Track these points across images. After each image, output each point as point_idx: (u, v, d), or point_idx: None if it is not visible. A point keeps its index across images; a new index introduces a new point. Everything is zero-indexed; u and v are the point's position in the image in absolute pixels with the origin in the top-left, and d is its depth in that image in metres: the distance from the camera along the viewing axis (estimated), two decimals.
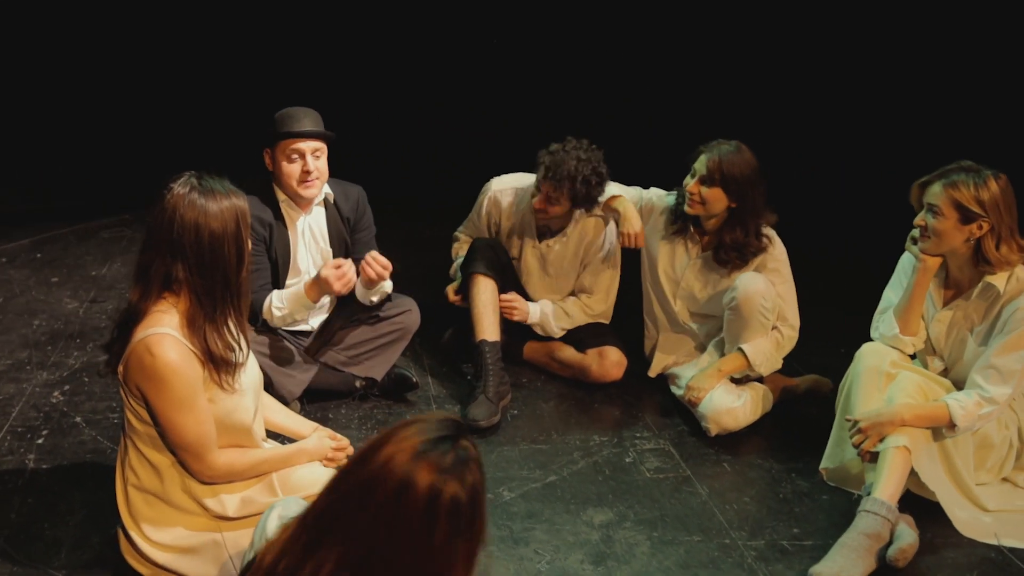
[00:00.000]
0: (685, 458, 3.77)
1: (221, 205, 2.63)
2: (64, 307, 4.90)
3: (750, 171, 3.87)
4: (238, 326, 2.76)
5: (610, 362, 4.21)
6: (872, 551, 3.13)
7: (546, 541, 3.23)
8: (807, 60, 7.11)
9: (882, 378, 3.45)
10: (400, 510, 1.66)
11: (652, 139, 6.68)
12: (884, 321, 3.57)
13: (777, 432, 3.99)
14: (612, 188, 4.16)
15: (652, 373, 4.29)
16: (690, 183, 3.93)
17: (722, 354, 4.06)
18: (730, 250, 3.96)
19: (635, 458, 3.75)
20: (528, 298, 4.38)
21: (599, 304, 4.35)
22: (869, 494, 3.29)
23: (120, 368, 2.68)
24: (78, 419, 3.86)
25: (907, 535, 3.16)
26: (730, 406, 3.84)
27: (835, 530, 3.31)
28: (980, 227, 3.28)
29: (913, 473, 3.32)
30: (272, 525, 2.02)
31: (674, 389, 4.14)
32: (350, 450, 3.07)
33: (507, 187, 4.34)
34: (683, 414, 4.07)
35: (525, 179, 4.33)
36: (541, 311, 4.30)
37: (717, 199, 3.90)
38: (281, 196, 3.84)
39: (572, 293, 4.40)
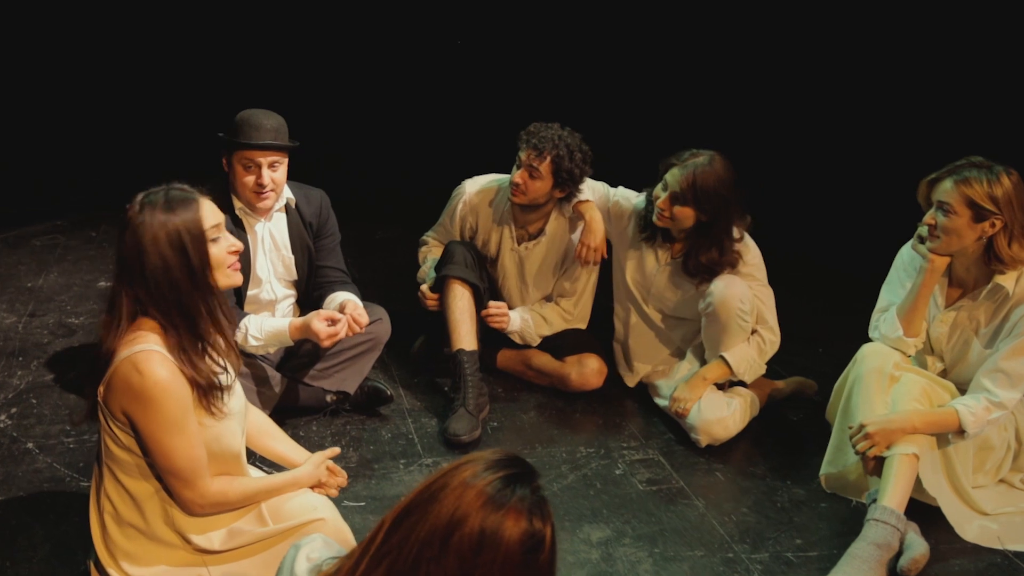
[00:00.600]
0: (676, 468, 3.64)
1: (162, 222, 2.40)
2: (1, 322, 4.57)
3: (723, 188, 3.68)
4: (225, 344, 2.56)
5: (590, 370, 4.07)
6: (883, 562, 3.04)
7: None
8: (794, 60, 7.13)
9: (885, 380, 3.36)
10: (487, 555, 1.61)
11: (645, 138, 6.61)
12: (886, 321, 3.48)
13: (765, 437, 3.89)
14: (583, 189, 4.02)
15: (631, 383, 4.15)
16: (661, 197, 3.76)
17: (702, 360, 3.96)
18: (701, 267, 3.81)
19: (625, 470, 3.61)
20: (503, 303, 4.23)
21: (575, 306, 4.20)
22: (874, 501, 3.20)
23: (100, 389, 2.45)
24: (30, 445, 3.58)
25: (918, 544, 3.08)
26: (720, 416, 3.72)
27: (838, 539, 3.23)
28: (993, 225, 3.19)
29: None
30: (301, 567, 1.84)
31: (658, 401, 4.00)
32: (344, 482, 2.86)
33: (483, 188, 4.16)
34: (668, 422, 3.94)
35: (501, 180, 4.17)
36: (521, 319, 4.14)
37: (687, 216, 3.74)
38: (238, 203, 3.62)
39: (548, 298, 4.25)
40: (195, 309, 2.45)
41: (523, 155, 3.90)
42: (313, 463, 2.81)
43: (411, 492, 1.71)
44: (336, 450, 2.88)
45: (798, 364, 4.32)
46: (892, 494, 3.16)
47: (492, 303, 4.08)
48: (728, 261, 3.77)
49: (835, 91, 7.06)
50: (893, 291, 3.57)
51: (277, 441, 2.92)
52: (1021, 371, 3.24)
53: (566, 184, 3.93)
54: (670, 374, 4.01)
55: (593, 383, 4.08)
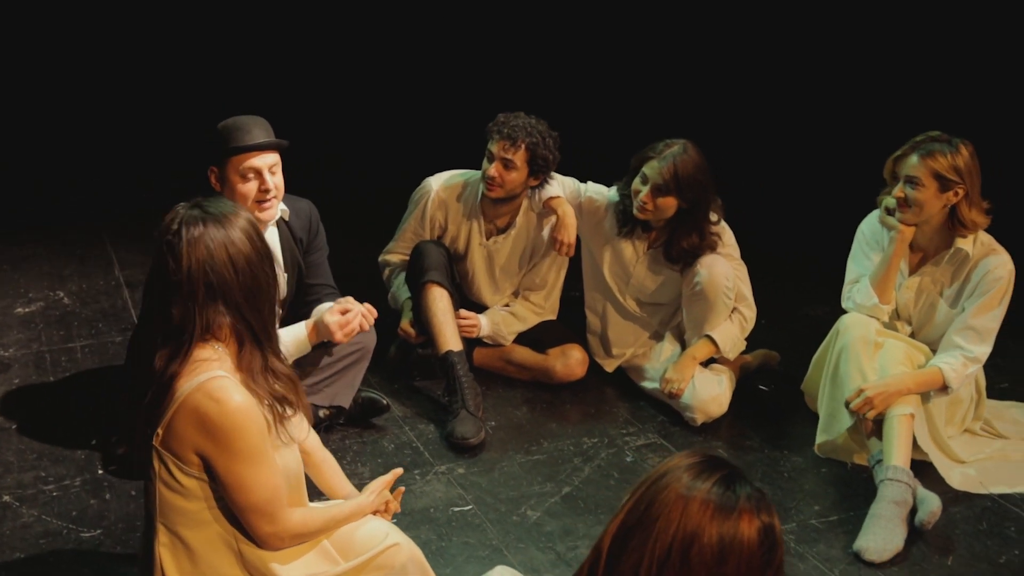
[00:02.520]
0: (680, 449, 3.76)
1: (240, 226, 2.31)
2: None
3: (701, 173, 3.80)
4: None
5: (575, 361, 4.12)
6: (903, 518, 3.27)
7: None
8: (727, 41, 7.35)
9: (871, 347, 3.60)
10: (732, 561, 1.63)
11: (601, 133, 6.67)
12: (860, 291, 3.71)
13: (745, 410, 4.05)
14: (553, 185, 4.05)
15: (610, 369, 4.24)
16: (642, 192, 3.82)
17: (680, 340, 4.09)
18: (685, 252, 3.93)
19: (635, 457, 3.71)
20: (471, 301, 4.22)
21: (546, 299, 4.24)
22: (879, 462, 3.43)
23: (159, 432, 2.30)
24: (7, 498, 3.29)
25: (931, 499, 3.32)
26: (715, 394, 3.87)
27: (850, 501, 3.45)
28: (956, 194, 3.48)
29: None
30: None
31: (645, 384, 4.09)
32: (395, 506, 2.77)
33: (449, 184, 4.11)
34: (655, 404, 4.06)
35: (466, 174, 4.14)
36: (491, 322, 4.14)
37: (670, 206, 3.83)
38: None
39: (516, 292, 4.27)
40: (265, 326, 2.35)
41: (495, 148, 3.89)
42: (374, 491, 2.71)
43: (617, 513, 1.71)
44: (399, 471, 2.80)
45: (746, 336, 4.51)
46: (898, 453, 3.39)
47: (461, 312, 4.07)
48: (708, 244, 3.91)
49: (759, 71, 7.36)
50: (860, 263, 3.81)
51: (335, 476, 2.80)
52: (989, 326, 3.57)
53: (540, 171, 3.96)
54: (652, 357, 4.11)
55: (578, 373, 4.13)
